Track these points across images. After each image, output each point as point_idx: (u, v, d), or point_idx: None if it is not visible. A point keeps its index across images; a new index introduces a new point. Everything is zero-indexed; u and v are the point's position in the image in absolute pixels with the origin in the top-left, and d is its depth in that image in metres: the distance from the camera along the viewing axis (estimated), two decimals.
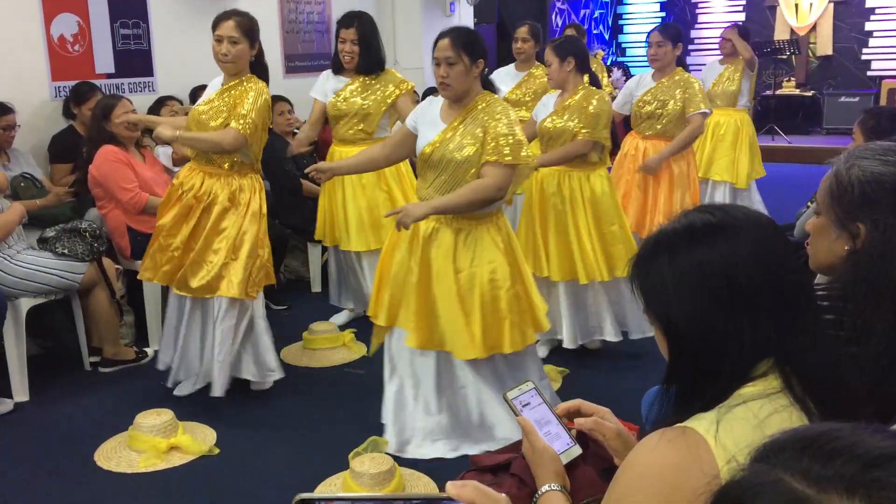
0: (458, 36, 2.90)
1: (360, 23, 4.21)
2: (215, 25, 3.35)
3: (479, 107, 2.94)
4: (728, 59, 6.31)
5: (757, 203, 6.25)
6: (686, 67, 4.84)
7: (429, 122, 3.03)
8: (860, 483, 0.63)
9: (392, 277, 3.07)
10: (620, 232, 3.86)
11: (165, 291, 4.46)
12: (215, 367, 3.45)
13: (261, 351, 3.59)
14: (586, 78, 3.83)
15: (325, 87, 4.38)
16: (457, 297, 2.95)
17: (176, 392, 3.63)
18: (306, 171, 3.47)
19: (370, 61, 4.24)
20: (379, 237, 4.25)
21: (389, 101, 4.28)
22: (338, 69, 4.35)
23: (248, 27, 3.37)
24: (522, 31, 5.04)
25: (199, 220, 3.44)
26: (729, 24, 6.71)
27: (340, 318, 4.60)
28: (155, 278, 3.56)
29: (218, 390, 3.46)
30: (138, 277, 3.70)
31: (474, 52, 2.89)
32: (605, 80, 6.54)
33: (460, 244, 2.96)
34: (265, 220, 3.58)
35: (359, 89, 4.30)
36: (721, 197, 6.07)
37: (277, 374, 3.64)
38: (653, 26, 5.01)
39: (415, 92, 6.37)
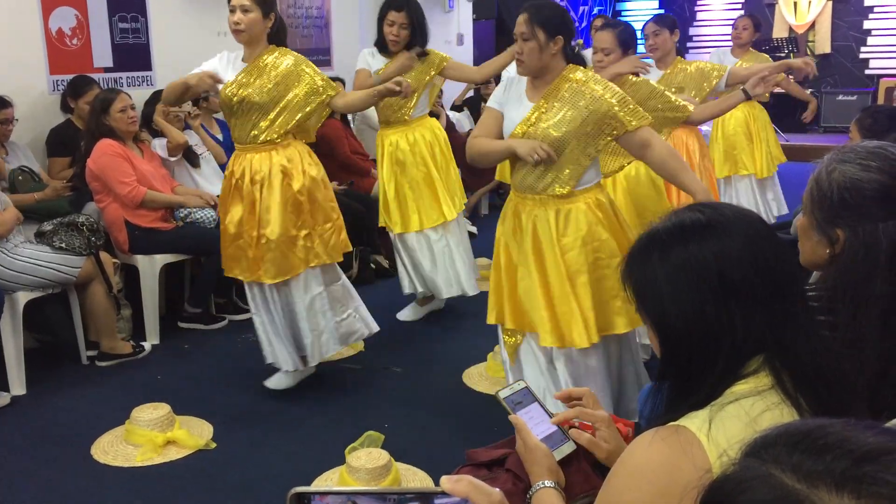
0: (535, 12, 2.78)
1: (409, 7, 4.23)
2: None
3: (566, 84, 2.80)
4: (740, 51, 6.01)
5: (780, 194, 6.16)
6: (684, 57, 4.80)
7: (514, 100, 2.89)
8: (850, 478, 0.63)
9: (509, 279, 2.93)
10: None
11: (162, 285, 4.48)
12: (313, 337, 3.50)
13: (360, 309, 3.70)
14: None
15: (369, 62, 4.35)
16: (568, 283, 2.80)
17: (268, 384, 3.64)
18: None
19: (416, 44, 4.26)
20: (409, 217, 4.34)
21: (431, 73, 4.32)
22: (382, 50, 4.33)
23: None
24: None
25: (263, 202, 3.38)
26: (740, 15, 6.22)
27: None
28: (266, 276, 3.41)
29: (320, 355, 3.55)
30: (244, 280, 3.52)
31: (552, 29, 2.75)
32: None
33: (561, 224, 2.81)
34: (328, 184, 3.57)
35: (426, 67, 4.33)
36: (746, 190, 5.95)
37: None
38: None
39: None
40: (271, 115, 3.37)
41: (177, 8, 5.50)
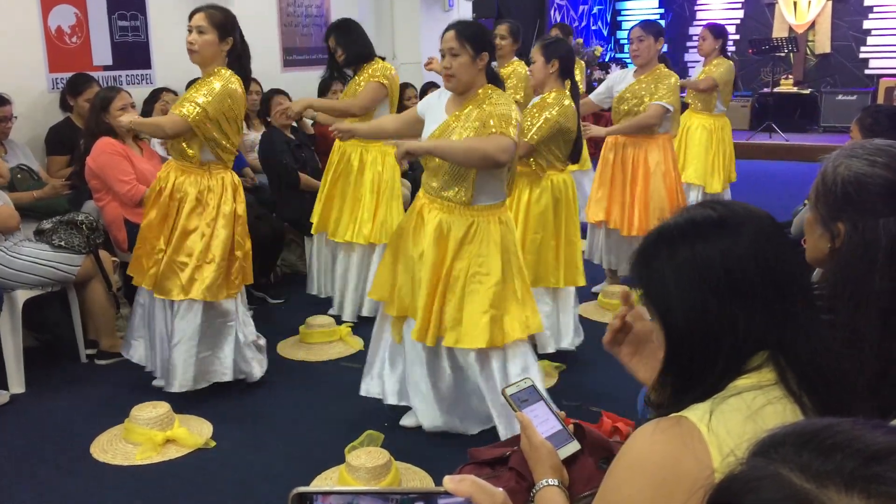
0: (463, 28, 2.94)
1: (335, 32, 4.52)
2: (189, 18, 3.40)
3: (481, 98, 2.95)
4: (706, 60, 6.04)
5: None
6: (669, 65, 4.82)
7: (434, 112, 3.06)
8: (859, 478, 0.63)
9: (403, 268, 3.09)
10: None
11: None
12: (174, 363, 3.47)
13: (226, 353, 3.57)
14: (568, 83, 3.79)
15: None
16: (456, 288, 2.97)
17: (154, 382, 3.68)
18: (330, 129, 3.61)
19: (349, 61, 4.51)
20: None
21: (358, 89, 4.42)
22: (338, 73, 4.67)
23: (220, 20, 3.37)
24: (501, 29, 5.11)
25: (175, 219, 3.45)
26: (706, 24, 6.29)
27: None
28: (143, 282, 3.53)
29: (175, 386, 3.47)
30: (133, 283, 3.67)
31: (478, 45, 2.90)
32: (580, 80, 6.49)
33: (461, 233, 2.96)
34: (242, 220, 3.57)
35: (352, 86, 4.52)
36: (694, 202, 6.01)
37: (257, 365, 3.67)
38: None
39: (412, 86, 6.42)
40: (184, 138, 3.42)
41: (176, 6, 5.49)
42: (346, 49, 4.45)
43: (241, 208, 3.56)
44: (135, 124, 3.53)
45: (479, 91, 2.97)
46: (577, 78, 6.25)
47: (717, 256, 1.16)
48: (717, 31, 6.05)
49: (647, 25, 4.69)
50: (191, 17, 3.40)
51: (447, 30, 2.95)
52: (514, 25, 5.22)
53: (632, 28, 4.76)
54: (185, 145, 3.41)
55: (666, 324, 1.21)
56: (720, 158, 5.99)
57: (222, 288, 3.49)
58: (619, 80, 4.81)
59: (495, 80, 3.05)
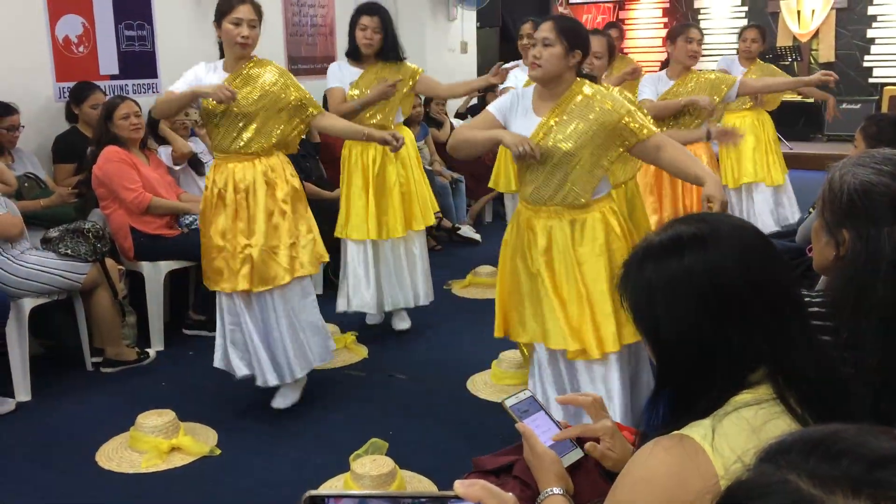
0: (561, 21, 2.84)
1: (381, 13, 4.26)
2: (231, 8, 3.31)
3: (576, 97, 2.81)
4: (747, 62, 5.96)
5: (794, 201, 6.10)
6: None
7: (520, 114, 2.88)
8: (865, 483, 0.63)
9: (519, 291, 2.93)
10: None
11: (166, 292, 4.48)
12: (302, 343, 3.47)
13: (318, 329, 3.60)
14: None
15: (342, 77, 4.34)
16: (584, 293, 2.81)
17: (277, 405, 3.53)
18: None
19: (388, 50, 4.26)
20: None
21: (405, 89, 4.30)
22: (354, 57, 4.34)
23: (261, 13, 3.41)
24: (526, 28, 5.10)
25: (249, 210, 3.39)
26: (747, 26, 6.20)
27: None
28: (238, 286, 3.37)
29: (299, 371, 3.48)
30: (222, 289, 3.44)
31: (574, 41, 2.78)
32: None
33: (577, 234, 2.83)
34: (305, 196, 3.59)
35: (374, 79, 4.27)
36: (761, 199, 5.91)
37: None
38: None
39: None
40: (255, 125, 3.37)
41: (183, 15, 5.53)
42: (385, 37, 4.22)
43: (299, 183, 3.57)
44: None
45: (573, 86, 2.83)
46: None
47: (704, 271, 1.16)
48: (762, 32, 6.05)
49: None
50: (233, 7, 3.30)
51: (545, 21, 2.85)
52: (537, 23, 5.14)
53: (690, 28, 4.63)
54: (255, 132, 3.40)
55: (656, 340, 1.21)
56: (772, 151, 5.95)
57: (317, 259, 3.52)
58: (656, 80, 4.73)
59: (588, 78, 2.93)
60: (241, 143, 3.37)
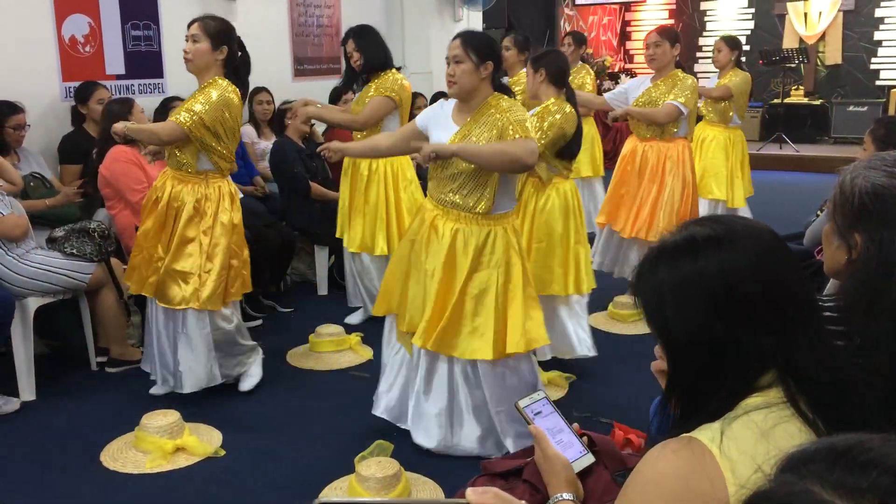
0: (468, 37, 2.96)
1: (354, 37, 4.47)
2: (188, 28, 3.45)
3: (492, 108, 2.95)
4: (722, 71, 5.99)
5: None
6: (685, 70, 4.82)
7: (441, 123, 3.06)
8: (895, 495, 0.62)
9: (415, 281, 3.06)
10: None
11: None
12: (185, 368, 3.53)
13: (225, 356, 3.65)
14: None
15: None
16: (470, 298, 2.96)
17: (151, 391, 3.69)
18: (317, 149, 3.48)
19: (365, 64, 4.44)
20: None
21: (366, 100, 4.39)
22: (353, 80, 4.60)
23: (215, 29, 3.41)
24: (505, 40, 5.17)
25: (173, 228, 3.48)
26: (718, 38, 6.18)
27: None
28: (143, 290, 3.56)
29: (187, 388, 3.55)
30: (131, 291, 3.68)
31: (483, 54, 2.91)
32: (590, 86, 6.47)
33: (481, 243, 2.96)
34: (239, 229, 3.60)
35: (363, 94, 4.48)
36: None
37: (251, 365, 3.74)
38: None
39: (422, 96, 6.43)
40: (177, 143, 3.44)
41: (189, 16, 5.45)
42: (363, 54, 4.41)
43: (238, 217, 3.59)
44: (130, 131, 3.50)
45: (489, 99, 2.97)
46: (589, 88, 6.28)
47: (718, 273, 1.15)
48: (733, 42, 6.01)
49: (663, 31, 4.69)
50: (189, 27, 3.45)
51: (454, 38, 2.98)
52: (520, 36, 5.26)
53: (648, 33, 4.75)
54: (179, 153, 3.44)
55: (668, 341, 1.20)
56: (738, 172, 5.94)
57: (221, 297, 3.53)
58: (636, 87, 4.80)
59: (505, 91, 3.05)
60: (180, 162, 3.46)
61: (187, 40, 3.42)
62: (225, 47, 3.44)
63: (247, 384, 3.71)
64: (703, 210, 5.71)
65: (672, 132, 4.61)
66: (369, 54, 4.42)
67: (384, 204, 4.42)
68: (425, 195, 3.28)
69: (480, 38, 3.01)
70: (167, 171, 3.56)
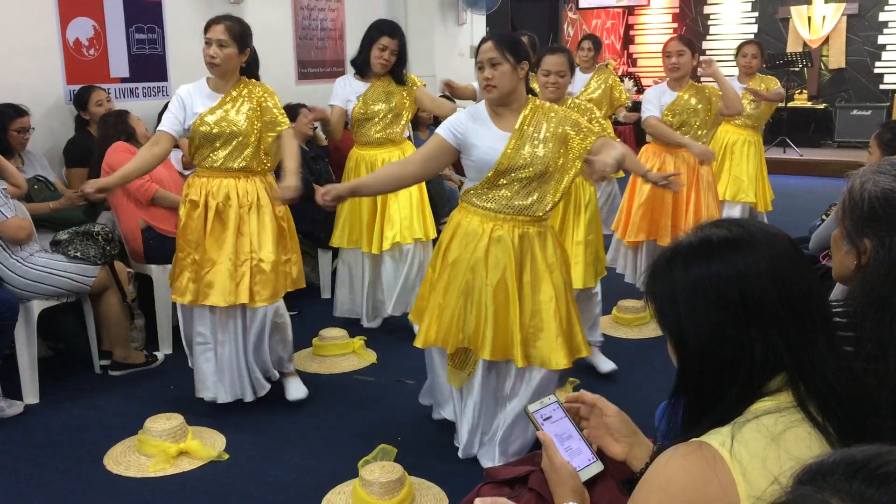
0: (501, 38, 2.88)
1: (401, 35, 4.42)
2: (206, 29, 3.39)
3: (541, 110, 2.89)
4: (748, 78, 5.84)
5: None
6: (698, 80, 4.78)
7: (482, 134, 2.87)
8: None
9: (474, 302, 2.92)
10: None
11: None
12: (247, 371, 3.55)
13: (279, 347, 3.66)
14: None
15: (345, 94, 4.48)
16: (546, 303, 2.89)
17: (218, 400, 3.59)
18: (319, 197, 2.90)
19: (398, 69, 4.42)
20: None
21: (407, 103, 4.43)
22: (362, 73, 4.46)
23: (239, 32, 3.39)
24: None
25: (224, 226, 3.41)
26: (746, 42, 6.02)
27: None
28: (208, 300, 3.40)
29: (249, 395, 3.56)
30: (203, 303, 3.44)
31: (518, 54, 2.84)
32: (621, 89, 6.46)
33: (546, 244, 2.93)
34: (288, 220, 3.61)
35: (381, 94, 4.42)
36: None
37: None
38: (664, 37, 4.97)
39: None
40: (252, 142, 3.41)
41: (193, 19, 5.53)
42: (398, 57, 4.37)
43: (280, 208, 3.60)
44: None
45: (530, 100, 2.91)
46: (619, 94, 6.31)
47: (733, 277, 1.15)
48: (761, 48, 5.94)
49: (686, 41, 4.63)
50: (207, 28, 3.39)
51: (482, 42, 2.89)
52: (531, 38, 5.29)
53: (667, 41, 4.68)
54: (264, 149, 3.47)
55: (679, 343, 1.20)
56: (763, 175, 5.88)
57: (280, 287, 3.53)
58: (657, 96, 4.67)
59: (530, 93, 3.00)
60: (241, 161, 3.43)
61: (209, 44, 3.35)
62: (248, 49, 3.45)
63: (296, 391, 3.68)
64: (737, 214, 5.66)
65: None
66: (403, 60, 4.40)
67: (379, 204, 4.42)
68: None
69: (512, 38, 2.92)
70: (200, 174, 3.45)
